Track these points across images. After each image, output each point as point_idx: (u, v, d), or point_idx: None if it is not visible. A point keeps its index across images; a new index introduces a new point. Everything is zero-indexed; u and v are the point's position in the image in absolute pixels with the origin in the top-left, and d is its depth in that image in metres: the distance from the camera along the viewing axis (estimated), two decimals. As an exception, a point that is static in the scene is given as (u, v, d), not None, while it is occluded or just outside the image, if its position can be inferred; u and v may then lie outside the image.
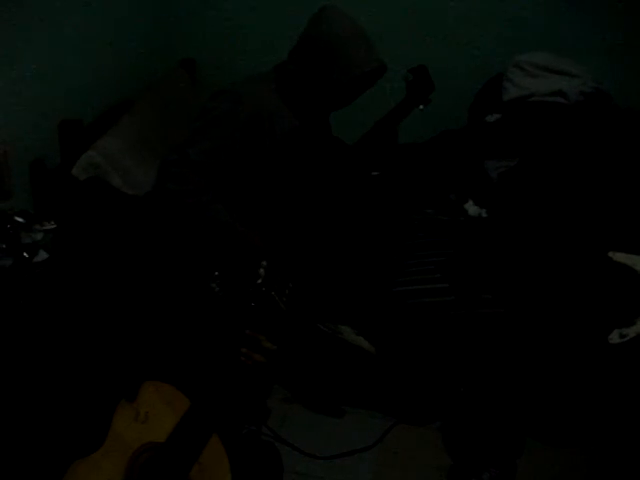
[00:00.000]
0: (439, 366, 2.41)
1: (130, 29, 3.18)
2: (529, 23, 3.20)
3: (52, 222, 2.18)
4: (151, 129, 2.79)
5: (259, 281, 1.61)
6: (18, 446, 1.36)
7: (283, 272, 1.66)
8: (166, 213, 2.18)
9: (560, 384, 2.34)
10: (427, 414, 2.47)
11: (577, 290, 2.39)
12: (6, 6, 2.32)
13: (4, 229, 2.01)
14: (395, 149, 2.86)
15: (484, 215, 2.79)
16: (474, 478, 2.24)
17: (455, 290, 2.44)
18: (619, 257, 2.39)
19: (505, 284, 2.49)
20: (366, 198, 2.75)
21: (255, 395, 2.19)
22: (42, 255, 2.03)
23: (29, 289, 1.87)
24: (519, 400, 2.36)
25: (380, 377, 2.42)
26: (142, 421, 1.46)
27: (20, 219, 2.10)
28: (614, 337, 2.30)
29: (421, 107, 2.64)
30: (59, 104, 2.63)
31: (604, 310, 2.32)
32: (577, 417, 2.37)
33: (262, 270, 1.61)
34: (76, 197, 2.40)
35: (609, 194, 2.64)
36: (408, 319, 2.41)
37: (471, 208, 2.82)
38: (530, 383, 2.36)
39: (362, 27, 2.44)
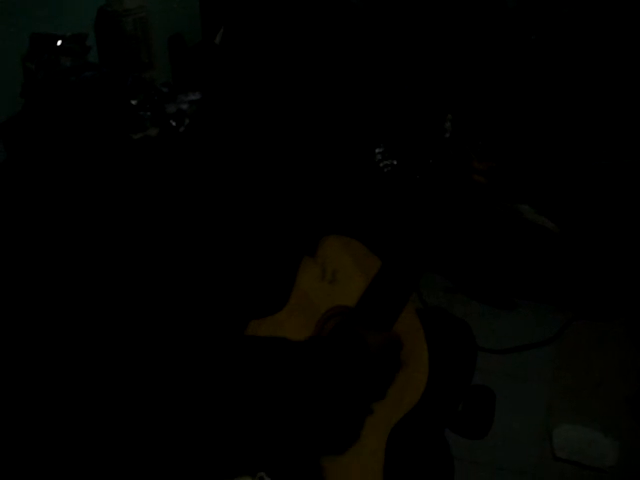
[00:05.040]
0: (629, 250, 2.10)
1: None
2: None
3: (197, 93, 2.04)
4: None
5: (447, 135, 1.35)
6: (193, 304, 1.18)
7: (472, 126, 1.39)
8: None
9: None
10: (612, 307, 2.18)
11: None
12: None
13: (150, 98, 1.86)
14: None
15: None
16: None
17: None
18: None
19: None
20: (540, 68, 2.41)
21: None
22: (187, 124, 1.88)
23: (176, 158, 1.70)
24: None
25: (563, 262, 2.14)
26: (329, 281, 1.24)
27: (164, 89, 1.97)
28: None
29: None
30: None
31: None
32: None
33: (449, 124, 1.35)
34: (217, 69, 2.21)
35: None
36: (597, 195, 2.10)
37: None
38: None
39: None
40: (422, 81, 2.06)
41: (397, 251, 1.23)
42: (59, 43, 1.86)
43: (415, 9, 2.18)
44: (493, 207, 2.07)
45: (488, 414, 1.83)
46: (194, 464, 0.96)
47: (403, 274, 1.22)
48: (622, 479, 1.84)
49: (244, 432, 0.98)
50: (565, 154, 2.19)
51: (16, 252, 1.36)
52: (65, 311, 1.12)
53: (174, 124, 1.82)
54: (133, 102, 1.80)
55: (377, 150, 1.65)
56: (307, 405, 1.02)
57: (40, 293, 1.21)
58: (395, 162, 1.65)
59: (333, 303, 1.25)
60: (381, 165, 1.66)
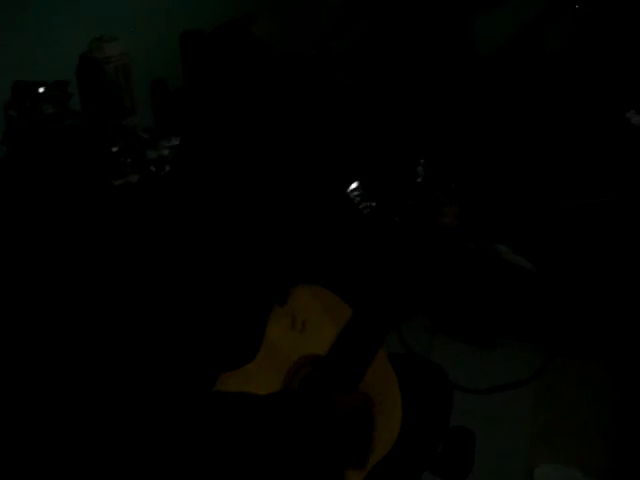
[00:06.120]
0: (607, 288, 2.13)
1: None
2: None
3: (178, 138, 2.07)
4: (278, 40, 2.58)
5: (419, 180, 1.38)
6: (164, 358, 1.18)
7: (444, 170, 1.42)
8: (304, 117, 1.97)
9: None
10: (590, 346, 2.20)
11: None
12: None
13: (130, 144, 1.89)
14: (542, 59, 2.54)
15: (650, 124, 2.45)
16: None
17: (625, 205, 2.13)
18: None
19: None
20: (518, 109, 2.46)
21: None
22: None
23: (157, 203, 1.72)
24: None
25: (540, 302, 2.16)
26: (299, 330, 1.25)
27: (145, 135, 2.00)
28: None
29: (577, 6, 2.31)
30: (181, 17, 2.47)
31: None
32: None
33: (421, 168, 1.38)
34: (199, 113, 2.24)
35: None
36: (572, 236, 2.13)
37: (634, 117, 2.48)
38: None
39: None
40: (395, 125, 2.10)
41: (368, 299, 1.25)
42: (41, 90, 1.89)
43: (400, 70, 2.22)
44: (470, 247, 2.10)
45: (468, 455, 1.83)
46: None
47: (374, 323, 1.24)
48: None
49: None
50: (539, 194, 2.23)
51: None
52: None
53: (154, 170, 1.84)
54: (114, 149, 1.82)
55: (354, 192, 1.68)
56: (273, 467, 1.02)
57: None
58: (374, 204, 1.68)
59: (303, 352, 1.26)
60: (360, 207, 1.68)
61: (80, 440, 1.02)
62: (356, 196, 1.69)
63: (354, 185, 1.66)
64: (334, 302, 1.27)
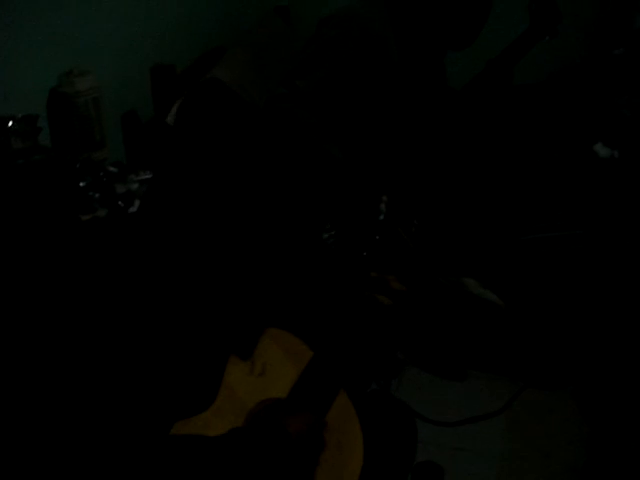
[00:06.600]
0: (574, 322, 2.15)
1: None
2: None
3: (147, 172, 2.08)
4: (246, 75, 2.60)
5: (381, 217, 1.39)
6: (115, 406, 1.17)
7: (406, 208, 1.44)
8: (272, 153, 1.99)
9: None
10: (559, 377, 2.22)
11: None
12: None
13: (98, 179, 1.89)
14: (510, 91, 2.58)
15: (616, 156, 2.49)
16: (616, 448, 1.99)
17: (591, 237, 2.17)
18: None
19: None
20: (484, 142, 2.49)
21: (382, 345, 1.98)
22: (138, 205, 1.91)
23: (125, 238, 1.72)
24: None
25: (509, 335, 2.18)
26: (259, 374, 1.24)
27: (113, 169, 1.99)
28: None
29: (547, 39, 2.35)
30: (151, 51, 2.49)
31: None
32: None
33: (383, 205, 1.39)
34: (169, 146, 2.25)
35: None
36: (539, 269, 2.16)
37: (602, 150, 2.52)
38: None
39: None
40: (360, 163, 2.13)
41: (329, 342, 1.26)
42: (10, 124, 1.88)
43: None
44: (439, 281, 2.12)
45: (437, 490, 1.83)
46: None
47: (335, 365, 1.24)
48: None
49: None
50: (505, 228, 2.26)
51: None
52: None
53: (122, 205, 1.84)
54: (82, 184, 1.82)
55: (325, 232, 1.69)
56: None
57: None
58: (342, 239, 1.69)
59: (263, 397, 1.24)
60: (329, 243, 1.69)
61: None
62: (324, 234, 1.70)
63: (323, 223, 1.67)
64: (294, 344, 1.27)
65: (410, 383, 2.26)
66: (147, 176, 2.05)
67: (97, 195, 1.85)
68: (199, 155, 1.94)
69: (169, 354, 1.22)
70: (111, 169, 1.99)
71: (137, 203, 1.89)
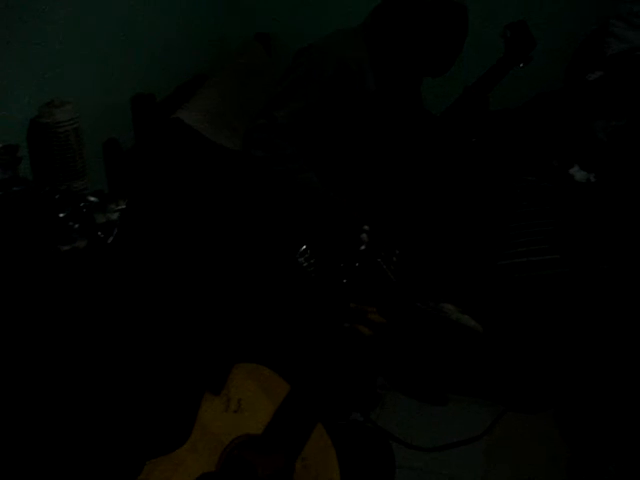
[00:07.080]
0: (553, 346, 2.17)
1: (203, 4, 3.04)
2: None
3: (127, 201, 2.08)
4: (227, 102, 2.63)
5: (362, 247, 1.40)
6: (89, 443, 1.16)
7: (387, 237, 1.45)
8: (253, 182, 2.01)
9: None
10: (540, 400, 2.23)
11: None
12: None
13: (77, 209, 1.89)
14: (487, 117, 2.62)
15: (593, 180, 2.53)
16: (598, 471, 2.00)
17: (569, 261, 2.19)
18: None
19: (623, 254, 2.23)
20: (462, 167, 2.52)
21: (361, 377, 1.99)
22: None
23: (104, 269, 1.73)
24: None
25: (488, 359, 2.19)
26: (234, 410, 1.23)
27: (94, 199, 2.00)
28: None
29: (521, 65, 2.40)
30: (131, 80, 2.51)
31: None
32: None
33: (364, 235, 1.41)
34: (151, 175, 2.26)
35: None
36: (517, 294, 2.18)
37: (578, 173, 2.56)
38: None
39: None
40: (339, 192, 2.16)
41: (306, 375, 1.26)
42: (-10, 154, 1.89)
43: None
44: (418, 307, 2.14)
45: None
46: None
47: (311, 399, 1.24)
48: None
49: None
50: (482, 254, 2.29)
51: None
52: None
53: (102, 235, 1.85)
54: (61, 214, 1.82)
55: (302, 257, 1.70)
56: None
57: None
58: (321, 267, 1.70)
59: (238, 433, 1.23)
60: (309, 270, 1.71)
61: None
62: (304, 262, 1.71)
63: (302, 249, 1.68)
64: (270, 379, 1.27)
65: (391, 408, 2.27)
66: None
67: (77, 226, 1.86)
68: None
69: (142, 390, 1.22)
70: (91, 199, 2.00)
71: (116, 232, 1.90)
